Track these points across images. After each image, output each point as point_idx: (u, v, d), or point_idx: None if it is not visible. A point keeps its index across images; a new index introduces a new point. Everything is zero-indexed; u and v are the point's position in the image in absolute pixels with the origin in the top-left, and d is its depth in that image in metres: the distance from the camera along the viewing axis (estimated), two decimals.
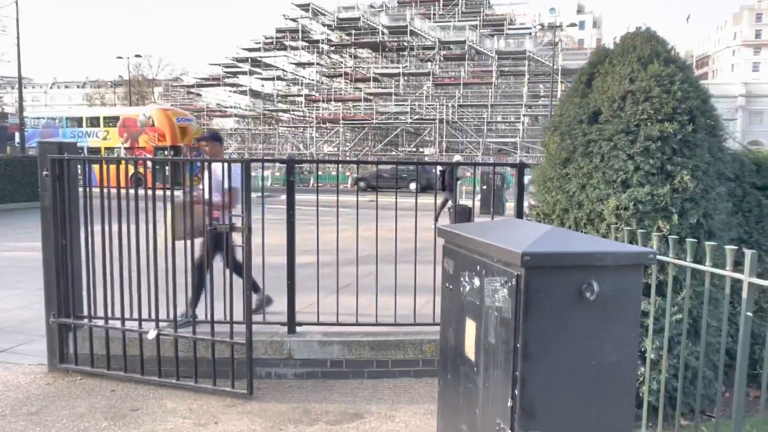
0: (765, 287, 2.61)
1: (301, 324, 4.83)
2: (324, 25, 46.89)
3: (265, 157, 44.02)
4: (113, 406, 4.12)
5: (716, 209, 3.76)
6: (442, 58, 46.00)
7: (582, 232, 3.82)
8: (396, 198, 4.70)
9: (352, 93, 47.47)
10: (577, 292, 2.12)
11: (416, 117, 42.44)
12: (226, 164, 4.45)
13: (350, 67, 47.41)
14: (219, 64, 49.79)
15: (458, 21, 46.54)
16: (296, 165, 4.91)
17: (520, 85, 45.84)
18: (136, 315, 4.51)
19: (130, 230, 4.46)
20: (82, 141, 28.33)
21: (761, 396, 2.68)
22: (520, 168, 4.93)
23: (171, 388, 4.42)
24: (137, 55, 52.95)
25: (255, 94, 50.61)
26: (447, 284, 2.71)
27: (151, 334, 4.42)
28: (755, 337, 3.86)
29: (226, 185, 4.31)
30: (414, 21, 44.33)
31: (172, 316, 4.42)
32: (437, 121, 41.41)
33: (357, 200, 4.85)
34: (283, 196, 4.71)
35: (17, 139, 29.20)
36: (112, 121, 30.73)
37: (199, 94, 52.47)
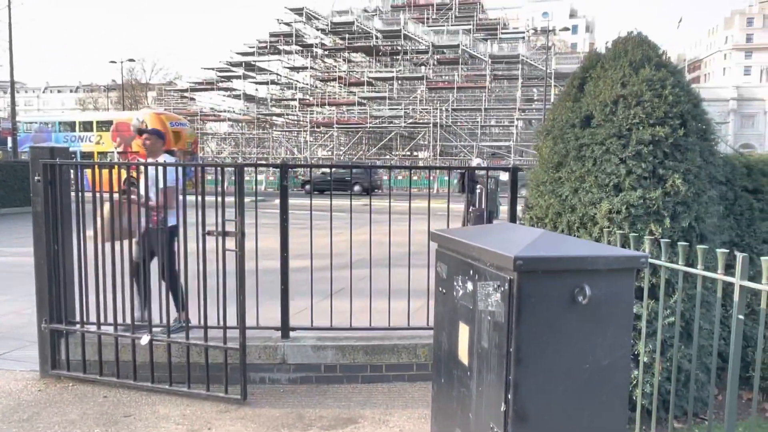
0: (756, 290, 2.62)
1: (294, 329, 4.81)
2: (318, 29, 46.95)
3: (259, 162, 43.98)
4: (105, 413, 4.10)
5: (708, 212, 3.78)
6: (435, 62, 46.11)
7: (575, 235, 3.83)
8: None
9: (346, 97, 47.52)
10: (569, 296, 2.13)
11: (410, 121, 42.50)
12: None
13: (344, 71, 47.45)
14: (213, 68, 49.73)
15: (452, 25, 46.72)
16: (290, 170, 4.91)
17: (514, 89, 46.02)
18: (128, 321, 4.49)
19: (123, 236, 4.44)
20: (75, 145, 28.21)
21: (753, 398, 2.69)
22: (514, 172, 4.94)
23: (164, 393, 4.40)
24: (130, 59, 52.71)
25: (249, 98, 50.58)
26: (440, 288, 2.71)
27: (144, 340, 4.40)
28: (747, 339, 3.87)
29: (160, 184, 4.34)
30: (407, 25, 44.45)
31: (164, 322, 4.41)
32: (431, 124, 41.49)
33: (350, 204, 4.85)
34: (277, 201, 4.70)
35: (9, 143, 29.05)
36: (105, 125, 30.61)
37: (192, 99, 52.37)
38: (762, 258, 2.54)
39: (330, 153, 47.22)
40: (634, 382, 3.47)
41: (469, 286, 2.40)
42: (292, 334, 4.80)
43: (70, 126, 31.41)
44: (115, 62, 52.41)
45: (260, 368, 4.64)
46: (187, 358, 4.37)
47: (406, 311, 4.75)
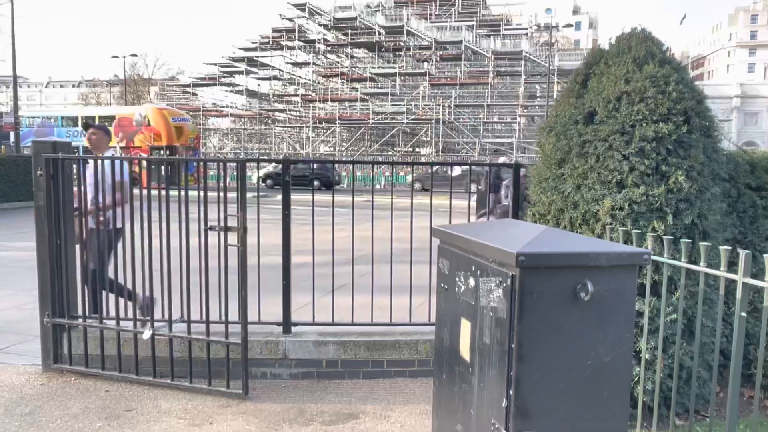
0: (759, 287, 2.62)
1: (296, 324, 4.82)
2: (320, 24, 46.89)
3: (261, 157, 43.99)
4: (108, 407, 4.11)
5: (711, 210, 3.77)
6: (438, 58, 46.05)
7: (577, 232, 3.82)
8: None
9: (348, 93, 47.46)
10: (571, 292, 2.13)
11: (412, 117, 42.48)
12: (99, 160, 4.56)
13: (347, 67, 47.41)
14: (215, 64, 49.72)
15: (455, 21, 46.60)
16: (292, 165, 4.91)
17: (517, 85, 45.91)
18: (130, 315, 4.50)
19: (125, 230, 4.45)
20: (78, 140, 28.25)
21: (755, 396, 2.69)
22: (516, 168, 4.93)
23: (166, 388, 4.41)
24: (133, 55, 52.77)
25: (251, 93, 50.57)
26: (442, 284, 2.71)
27: (146, 334, 4.41)
28: (749, 337, 3.87)
29: (109, 182, 4.42)
30: (410, 21, 44.38)
31: (167, 316, 4.41)
32: (433, 121, 41.46)
33: (353, 200, 4.85)
34: (279, 197, 4.70)
35: (12, 138, 29.09)
36: (107, 120, 30.66)
37: (195, 94, 52.36)
38: (765, 255, 2.54)
39: (332, 149, 47.21)
40: (636, 379, 3.47)
41: (471, 282, 2.39)
42: (293, 329, 4.81)
43: (73, 121, 31.48)
44: (117, 57, 52.33)
45: (262, 363, 4.64)
46: (189, 353, 4.38)
47: (407, 307, 4.75)
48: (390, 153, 46.17)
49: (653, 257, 3.09)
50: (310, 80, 50.06)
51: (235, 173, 4.40)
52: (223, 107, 51.04)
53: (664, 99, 3.72)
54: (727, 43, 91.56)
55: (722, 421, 3.44)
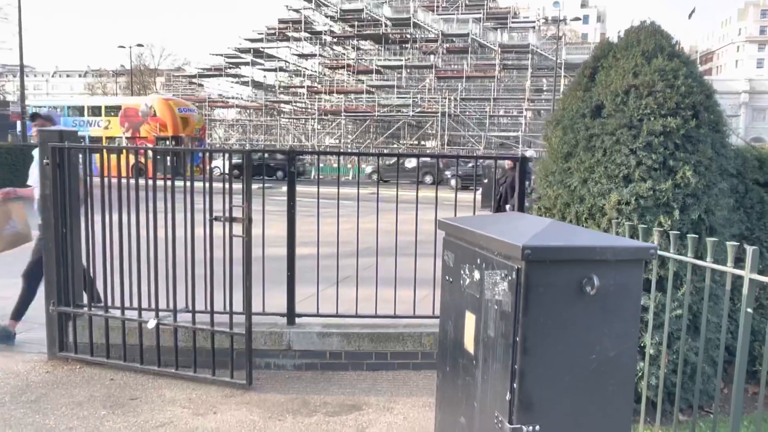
0: (766, 284, 2.60)
1: (300, 315, 4.83)
2: (327, 16, 46.73)
3: (267, 149, 43.98)
4: (112, 395, 4.14)
5: (718, 205, 3.74)
6: (445, 51, 45.85)
7: (583, 226, 3.80)
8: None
9: (354, 85, 47.36)
10: (577, 286, 2.12)
11: (418, 110, 42.35)
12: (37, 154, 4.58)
13: (353, 59, 47.28)
14: (221, 55, 49.65)
15: (461, 14, 46.37)
16: (297, 156, 4.90)
17: (523, 78, 45.72)
18: (135, 304, 4.52)
19: (131, 220, 4.46)
20: (84, 130, 28.33)
21: (760, 393, 2.68)
22: (522, 162, 4.92)
23: (170, 377, 4.43)
24: (139, 45, 52.78)
25: (257, 85, 50.52)
26: (447, 277, 2.71)
27: (151, 324, 4.42)
28: (755, 333, 3.85)
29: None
30: (417, 13, 44.17)
31: (171, 306, 4.43)
32: (439, 114, 41.33)
33: (358, 192, 4.84)
34: (284, 188, 4.70)
35: (18, 127, 29.17)
36: (113, 110, 30.73)
37: (201, 85, 52.37)
38: None
39: (337, 141, 47.16)
40: (640, 374, 3.46)
41: (476, 274, 2.39)
42: (297, 320, 4.82)
43: (79, 111, 31.54)
44: (124, 47, 52.42)
45: (266, 354, 4.66)
46: (194, 343, 4.39)
47: (411, 300, 4.75)
48: (395, 145, 46.08)
49: (659, 252, 3.07)
50: (316, 72, 49.96)
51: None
52: (229, 98, 51.00)
53: (673, 93, 3.69)
54: (736, 38, 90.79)
55: (726, 418, 3.44)
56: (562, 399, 2.17)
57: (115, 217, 4.50)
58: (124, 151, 4.95)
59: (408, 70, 45.74)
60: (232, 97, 50.99)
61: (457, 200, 4.65)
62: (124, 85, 63.28)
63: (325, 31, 47.13)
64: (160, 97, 32.22)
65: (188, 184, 4.32)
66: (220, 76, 50.75)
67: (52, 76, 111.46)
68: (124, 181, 4.58)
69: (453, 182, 26.89)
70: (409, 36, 45.09)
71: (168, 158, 4.77)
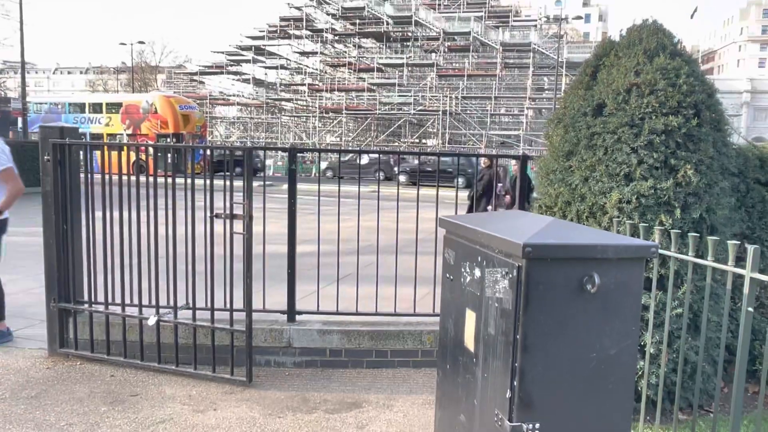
0: (766, 283, 2.60)
1: (300, 313, 4.83)
2: (328, 14, 46.67)
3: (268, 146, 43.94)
4: (112, 391, 4.14)
5: (719, 204, 3.74)
6: (446, 49, 45.78)
7: (584, 225, 3.80)
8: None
9: (355, 83, 47.29)
10: (578, 284, 2.11)
11: (419, 108, 42.30)
12: None
13: (354, 57, 47.22)
14: (222, 52, 49.61)
15: (463, 12, 46.28)
16: (298, 154, 4.90)
17: (525, 77, 45.63)
18: (136, 301, 4.52)
19: (131, 217, 4.46)
20: (85, 127, 28.31)
21: (760, 392, 2.68)
22: (523, 160, 4.91)
23: (170, 374, 4.43)
24: (141, 42, 52.74)
25: (258, 82, 50.46)
26: (447, 275, 2.70)
27: (152, 320, 4.43)
28: (755, 333, 3.86)
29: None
30: (419, 11, 44.11)
31: (172, 303, 4.43)
32: (440, 112, 41.28)
33: (359, 190, 4.84)
34: (285, 185, 4.70)
35: (20, 124, 29.16)
36: (114, 107, 30.68)
37: (202, 82, 52.31)
38: None
39: (338, 139, 47.13)
40: (640, 373, 3.46)
41: (477, 272, 2.39)
42: (298, 318, 4.82)
43: (80, 107, 31.49)
44: (125, 44, 52.52)
45: (266, 351, 4.66)
46: (194, 340, 4.40)
47: (411, 298, 4.75)
48: (396, 144, 46.04)
49: (660, 251, 3.07)
50: (317, 70, 49.89)
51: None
52: (230, 96, 50.95)
53: (675, 92, 3.69)
54: (738, 37, 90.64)
55: (726, 417, 3.44)
56: (562, 397, 2.17)
57: (116, 213, 4.50)
58: (125, 147, 4.96)
59: (409, 68, 45.66)
60: (234, 95, 50.93)
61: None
62: (125, 82, 63.26)
63: (327, 29, 47.06)
64: (161, 95, 32.17)
65: (189, 181, 4.32)
66: (222, 73, 50.69)
67: (54, 73, 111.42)
68: (124, 178, 4.58)
69: (401, 178, 27.85)
70: (410, 34, 45.04)
71: (169, 155, 4.76)
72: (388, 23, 44.71)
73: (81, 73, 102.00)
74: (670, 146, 3.66)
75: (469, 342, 2.45)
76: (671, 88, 3.70)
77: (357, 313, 4.79)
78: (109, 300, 4.62)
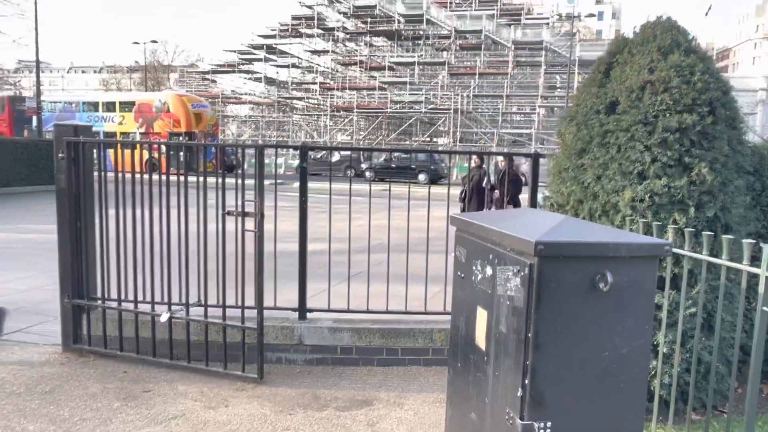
0: None
1: (312, 310, 4.84)
2: (340, 12, 46.67)
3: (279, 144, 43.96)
4: (125, 387, 4.17)
5: (734, 203, 3.70)
6: (458, 48, 45.62)
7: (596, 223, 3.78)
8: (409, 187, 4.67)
9: (366, 81, 47.29)
10: (590, 282, 2.10)
11: (431, 107, 42.21)
12: None
13: (365, 56, 47.20)
14: (234, 51, 49.78)
15: (475, 10, 46.08)
16: (309, 152, 4.91)
17: (537, 75, 45.35)
18: (148, 298, 4.55)
19: (144, 215, 4.50)
20: (98, 126, 28.55)
21: None
22: (535, 158, 4.89)
23: (182, 370, 4.46)
24: (153, 41, 53.01)
25: (270, 81, 50.60)
26: (459, 273, 2.70)
27: (164, 317, 4.46)
28: None
29: None
30: (430, 9, 43.97)
31: (184, 300, 4.46)
32: (452, 111, 41.16)
33: (370, 189, 4.84)
34: (296, 184, 4.71)
35: (34, 122, 29.46)
36: (127, 106, 30.90)
37: (214, 81, 52.54)
38: None
39: (349, 137, 47.16)
40: (653, 373, 3.44)
41: (489, 270, 2.38)
42: (309, 315, 4.83)
43: (94, 106, 31.75)
44: (138, 43, 52.77)
45: (277, 348, 4.68)
46: (206, 337, 4.42)
47: (422, 296, 4.75)
48: (407, 142, 45.98)
49: (674, 250, 3.04)
50: (328, 68, 49.94)
51: (254, 160, 4.40)
52: (242, 94, 51.13)
53: (689, 89, 3.65)
54: (753, 34, 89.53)
55: (740, 418, 3.40)
56: (574, 396, 2.16)
57: (129, 211, 4.53)
58: (138, 145, 4.99)
59: (420, 67, 45.55)
60: (245, 94, 51.12)
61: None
62: (138, 81, 63.66)
63: (338, 28, 47.07)
64: (173, 93, 32.36)
65: (201, 179, 4.35)
66: (233, 72, 50.89)
67: (68, 72, 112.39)
68: (137, 176, 4.61)
69: (368, 174, 28.86)
70: (422, 32, 44.92)
71: (181, 153, 4.79)
72: (399, 21, 44.63)
73: (95, 72, 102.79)
74: (684, 144, 3.63)
75: (481, 340, 2.44)
76: (686, 86, 3.66)
77: (368, 311, 4.80)
78: (122, 297, 4.66)
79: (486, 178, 9.18)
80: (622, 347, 2.19)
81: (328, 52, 48.55)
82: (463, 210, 9.07)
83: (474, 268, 2.52)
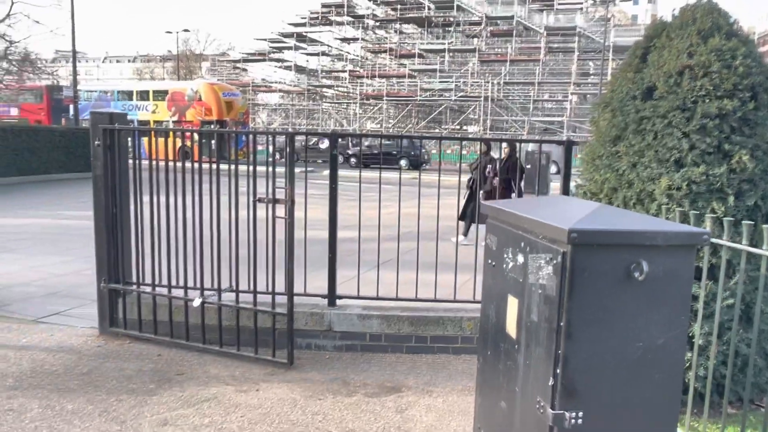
0: None
1: (341, 297, 4.87)
2: None
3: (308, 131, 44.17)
4: (160, 370, 4.27)
5: None
6: (488, 34, 44.99)
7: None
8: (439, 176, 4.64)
9: (396, 69, 47.07)
10: (625, 271, 2.06)
11: (461, 94, 41.82)
12: None
13: (395, 43, 46.95)
14: (264, 39, 50.05)
15: None
16: (338, 139, 4.91)
17: (569, 62, 44.53)
18: (182, 283, 4.64)
19: (178, 201, 4.57)
20: (132, 114, 29.05)
21: None
22: (568, 146, 4.80)
23: (214, 354, 4.54)
24: (186, 30, 53.60)
25: (300, 69, 50.78)
26: (489, 261, 2.67)
27: (196, 302, 4.54)
28: None
29: None
30: None
31: (216, 285, 4.53)
32: (482, 98, 40.73)
33: (399, 177, 4.83)
34: (325, 172, 4.72)
35: (71, 111, 30.14)
36: (161, 95, 31.37)
37: (245, 69, 52.96)
38: None
39: (379, 125, 47.09)
40: (688, 365, 3.36)
41: (520, 258, 2.35)
42: (338, 302, 4.86)
43: (128, 95, 32.31)
44: (170, 33, 53.42)
45: (307, 334, 4.72)
46: (237, 322, 4.49)
47: (452, 284, 4.73)
48: (437, 130, 45.71)
49: (712, 239, 2.96)
50: (358, 56, 49.86)
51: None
52: (272, 83, 51.43)
53: (730, 74, 3.53)
54: None
55: None
56: (606, 386, 2.13)
57: (163, 198, 4.61)
58: (171, 133, 5.06)
59: (451, 54, 45.11)
60: (275, 82, 51.40)
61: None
62: (170, 70, 64.49)
63: (368, 15, 46.88)
64: (205, 82, 32.72)
65: (233, 167, 4.39)
66: (264, 60, 51.18)
67: (103, 62, 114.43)
68: (170, 163, 4.68)
69: (352, 161, 29.91)
70: (452, 19, 44.43)
71: (213, 141, 4.85)
72: (429, 8, 44.22)
73: (129, 61, 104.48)
74: (724, 131, 3.52)
75: (511, 328, 2.42)
76: (726, 70, 3.54)
77: (397, 299, 4.80)
78: (156, 282, 4.75)
79: (490, 165, 9.12)
80: (657, 338, 2.15)
81: (357, 39, 48.45)
82: (469, 196, 9.04)
83: (505, 255, 2.49)
